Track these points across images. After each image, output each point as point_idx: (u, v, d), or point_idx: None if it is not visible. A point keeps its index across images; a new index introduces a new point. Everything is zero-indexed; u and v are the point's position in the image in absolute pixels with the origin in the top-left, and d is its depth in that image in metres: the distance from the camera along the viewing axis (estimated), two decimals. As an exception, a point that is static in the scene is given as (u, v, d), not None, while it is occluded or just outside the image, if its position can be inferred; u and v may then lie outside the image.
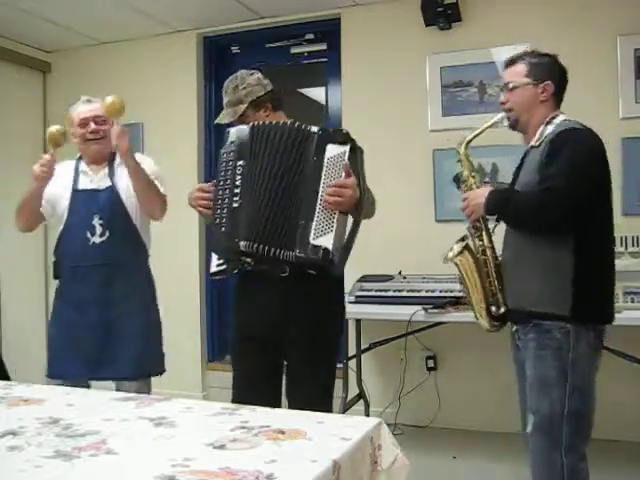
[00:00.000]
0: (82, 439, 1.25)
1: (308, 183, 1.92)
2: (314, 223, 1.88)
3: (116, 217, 2.46)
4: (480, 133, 2.16)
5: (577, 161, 1.88)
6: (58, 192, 2.50)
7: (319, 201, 1.89)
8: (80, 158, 2.58)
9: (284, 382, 2.16)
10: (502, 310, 2.08)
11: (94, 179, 2.51)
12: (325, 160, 1.91)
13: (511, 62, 2.10)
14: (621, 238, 3.13)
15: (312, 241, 1.87)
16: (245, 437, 1.26)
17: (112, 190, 2.47)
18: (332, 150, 1.91)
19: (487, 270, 2.09)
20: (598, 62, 3.42)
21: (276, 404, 2.04)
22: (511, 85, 2.07)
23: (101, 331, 2.45)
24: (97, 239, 2.45)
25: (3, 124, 4.24)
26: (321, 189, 1.90)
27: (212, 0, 3.81)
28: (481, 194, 2.05)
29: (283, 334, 2.08)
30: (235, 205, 1.99)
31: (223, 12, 3.99)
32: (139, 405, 1.54)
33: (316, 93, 4.38)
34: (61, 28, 4.18)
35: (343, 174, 1.89)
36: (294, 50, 4.26)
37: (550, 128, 2.00)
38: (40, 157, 2.40)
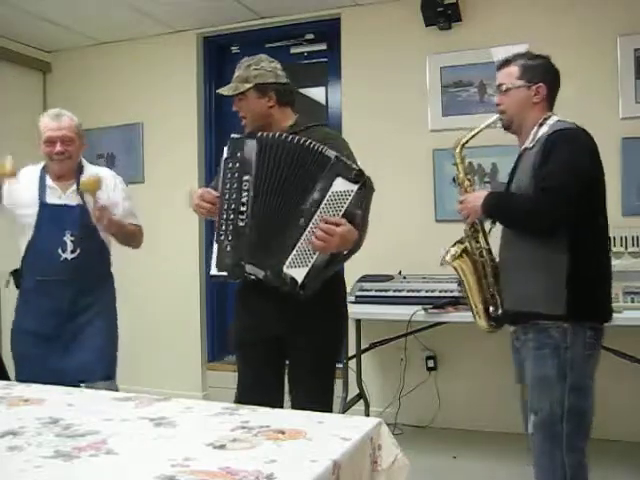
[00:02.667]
0: (82, 439, 1.25)
1: (304, 209, 1.85)
2: (294, 252, 1.85)
3: (87, 234, 2.51)
4: (475, 135, 2.17)
5: (570, 161, 1.89)
6: (23, 197, 2.50)
7: (306, 232, 1.84)
8: (44, 168, 2.57)
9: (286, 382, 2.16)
10: (500, 311, 2.11)
11: (62, 195, 2.52)
12: (329, 192, 1.83)
13: (504, 64, 2.11)
14: (621, 238, 3.13)
15: (285, 269, 1.85)
16: (245, 437, 1.26)
17: (83, 208, 2.50)
18: (339, 185, 1.83)
19: (485, 272, 2.12)
20: (598, 62, 3.42)
21: (279, 404, 2.04)
22: (504, 87, 2.08)
23: (61, 341, 2.50)
24: (69, 255, 2.49)
25: (3, 124, 4.23)
26: (312, 221, 1.83)
27: (212, 0, 3.81)
28: (478, 197, 2.06)
29: (285, 335, 2.07)
30: (241, 224, 1.92)
31: (223, 12, 3.99)
32: (139, 405, 1.54)
33: (316, 93, 4.37)
34: (61, 28, 4.18)
35: (339, 216, 1.82)
36: (294, 50, 4.26)
37: (544, 129, 2.01)
38: None
